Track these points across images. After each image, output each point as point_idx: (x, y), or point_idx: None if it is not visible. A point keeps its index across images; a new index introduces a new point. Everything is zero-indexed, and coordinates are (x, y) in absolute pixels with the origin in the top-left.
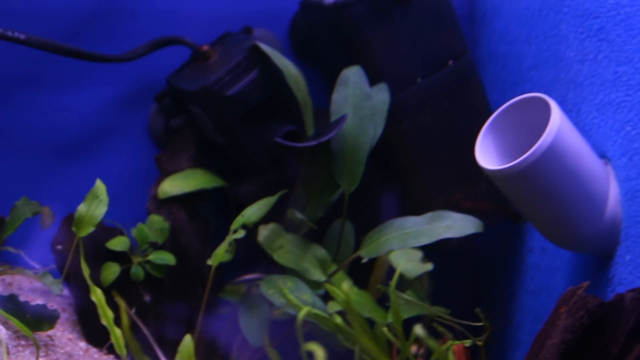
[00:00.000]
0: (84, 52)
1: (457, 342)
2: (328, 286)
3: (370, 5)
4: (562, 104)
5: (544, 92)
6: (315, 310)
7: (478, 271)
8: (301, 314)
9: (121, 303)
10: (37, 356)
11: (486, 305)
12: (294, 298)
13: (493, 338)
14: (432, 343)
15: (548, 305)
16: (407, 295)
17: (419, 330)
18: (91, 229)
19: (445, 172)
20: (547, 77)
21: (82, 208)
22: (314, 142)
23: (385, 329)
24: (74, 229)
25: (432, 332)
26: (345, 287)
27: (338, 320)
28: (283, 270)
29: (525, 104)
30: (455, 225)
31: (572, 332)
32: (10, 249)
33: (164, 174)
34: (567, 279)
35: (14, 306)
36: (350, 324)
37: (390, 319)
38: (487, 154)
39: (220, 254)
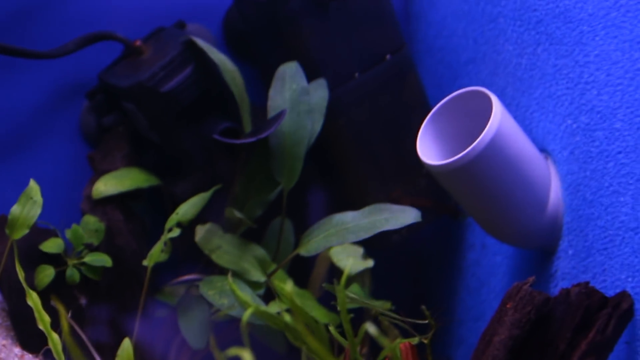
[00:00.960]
0: (11, 48)
1: (404, 340)
2: (276, 283)
3: (306, 0)
4: (501, 98)
5: (482, 86)
6: (263, 308)
7: (419, 268)
8: (247, 313)
9: (60, 307)
10: None
11: (428, 302)
12: (243, 295)
13: (436, 335)
14: (384, 341)
15: (490, 301)
16: (351, 292)
17: (371, 328)
18: (26, 231)
19: (384, 168)
20: (486, 71)
21: (15, 209)
22: (252, 139)
23: (332, 328)
24: (7, 231)
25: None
26: (288, 287)
27: (287, 318)
28: (222, 270)
29: (466, 98)
30: (394, 217)
31: (519, 328)
32: None
33: (98, 173)
34: (508, 274)
35: None
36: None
37: (331, 318)
38: (428, 149)
39: (156, 253)
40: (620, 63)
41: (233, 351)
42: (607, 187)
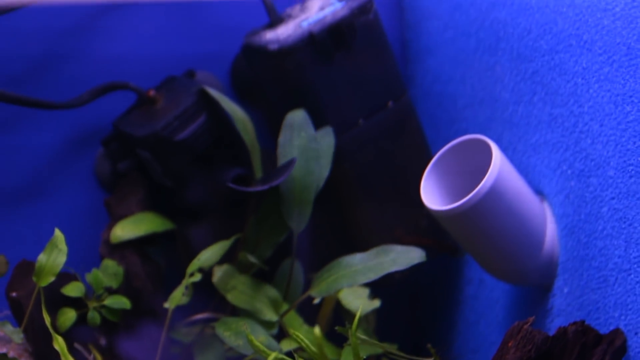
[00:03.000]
0: (31, 100)
1: None
2: (292, 331)
3: (313, 51)
4: (497, 142)
5: (480, 131)
6: (281, 356)
7: (419, 304)
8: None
9: (95, 353)
10: None
11: (428, 336)
12: (260, 344)
13: None
14: None
15: (487, 335)
16: (360, 333)
17: None
18: (52, 279)
19: (388, 209)
20: (483, 116)
21: (42, 258)
22: (265, 187)
23: None
24: (34, 278)
25: None
26: (316, 331)
27: None
28: (234, 309)
29: (466, 145)
30: (400, 257)
31: None
32: None
33: (115, 218)
34: (505, 309)
35: None
36: None
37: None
38: (431, 194)
39: (177, 296)
40: (613, 115)
41: None
42: (601, 231)
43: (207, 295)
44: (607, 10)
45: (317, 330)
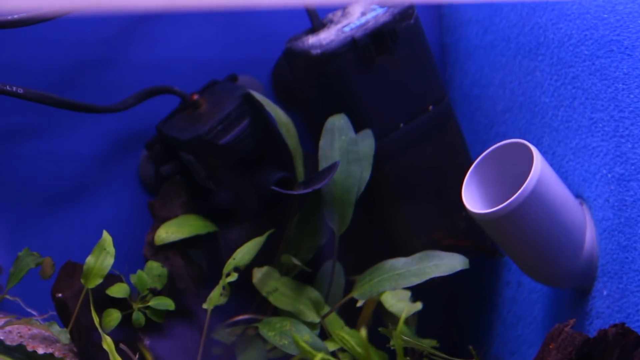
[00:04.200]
0: (78, 104)
1: None
2: (336, 332)
3: (355, 55)
4: (537, 146)
5: (519, 135)
6: (327, 357)
7: (458, 305)
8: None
9: (145, 352)
10: None
11: (467, 337)
12: (305, 344)
13: None
14: None
15: (526, 337)
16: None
17: None
18: (99, 281)
19: (427, 212)
20: (522, 120)
21: (90, 260)
22: (309, 190)
23: None
24: (82, 280)
25: None
26: (362, 334)
27: None
28: (275, 310)
29: (507, 148)
30: (443, 263)
31: None
32: (9, 297)
33: (158, 220)
34: (544, 311)
35: (22, 356)
36: None
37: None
38: (472, 198)
39: (215, 297)
40: None
41: None
42: None
43: (249, 297)
44: None
45: (363, 332)
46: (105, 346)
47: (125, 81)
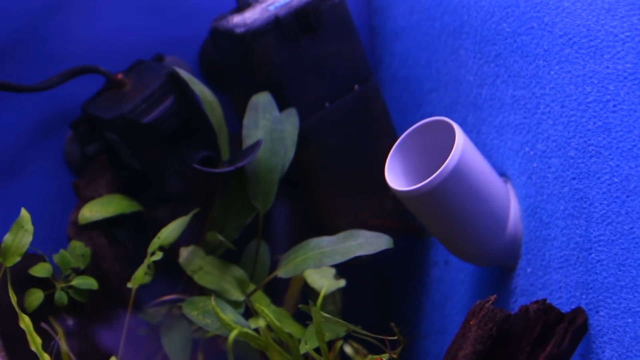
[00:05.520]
0: (1, 83)
1: (375, 357)
2: (257, 306)
3: (279, 34)
4: (462, 125)
5: (445, 114)
6: (246, 330)
7: (386, 285)
8: (232, 334)
9: (58, 329)
10: None
11: (395, 317)
12: (227, 318)
13: (404, 349)
14: (358, 359)
15: (453, 316)
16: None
17: (348, 348)
18: (18, 259)
19: (354, 192)
20: (448, 99)
21: (8, 238)
22: (231, 168)
23: (308, 347)
24: (0, 259)
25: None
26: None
27: (269, 337)
28: (201, 290)
29: (430, 126)
30: (368, 242)
31: (482, 343)
32: None
33: (83, 200)
34: (470, 290)
35: None
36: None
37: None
38: (395, 175)
39: (140, 276)
40: (573, 96)
41: None
42: (563, 210)
43: (175, 277)
44: None
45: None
46: (22, 325)
47: (51, 60)
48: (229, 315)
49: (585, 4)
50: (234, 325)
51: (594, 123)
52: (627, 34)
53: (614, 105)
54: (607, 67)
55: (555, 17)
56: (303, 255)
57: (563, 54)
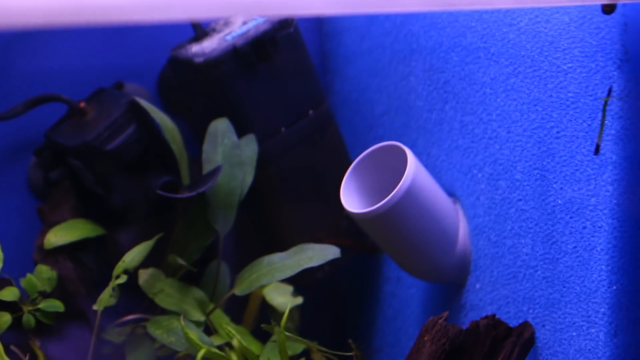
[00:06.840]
0: None
1: None
2: (224, 326)
3: (237, 63)
4: (413, 148)
5: (396, 137)
6: (213, 349)
7: (341, 301)
8: (200, 354)
9: (39, 353)
10: None
11: (350, 332)
12: (195, 337)
13: None
14: None
15: (405, 329)
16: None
17: None
18: None
19: (309, 212)
20: (398, 122)
21: None
22: (192, 193)
23: None
24: None
25: None
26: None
27: (234, 357)
28: (163, 310)
29: (383, 150)
30: (316, 255)
31: (436, 358)
32: None
33: (47, 225)
34: (421, 305)
35: None
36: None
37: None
38: (350, 197)
39: (105, 298)
40: (519, 122)
41: None
42: (510, 230)
43: (138, 297)
44: (513, 25)
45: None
46: None
47: (13, 90)
48: (193, 334)
49: (529, 37)
50: (202, 344)
51: (539, 148)
52: (569, 65)
53: (557, 132)
54: (551, 95)
55: (501, 48)
56: (257, 273)
57: (509, 83)
